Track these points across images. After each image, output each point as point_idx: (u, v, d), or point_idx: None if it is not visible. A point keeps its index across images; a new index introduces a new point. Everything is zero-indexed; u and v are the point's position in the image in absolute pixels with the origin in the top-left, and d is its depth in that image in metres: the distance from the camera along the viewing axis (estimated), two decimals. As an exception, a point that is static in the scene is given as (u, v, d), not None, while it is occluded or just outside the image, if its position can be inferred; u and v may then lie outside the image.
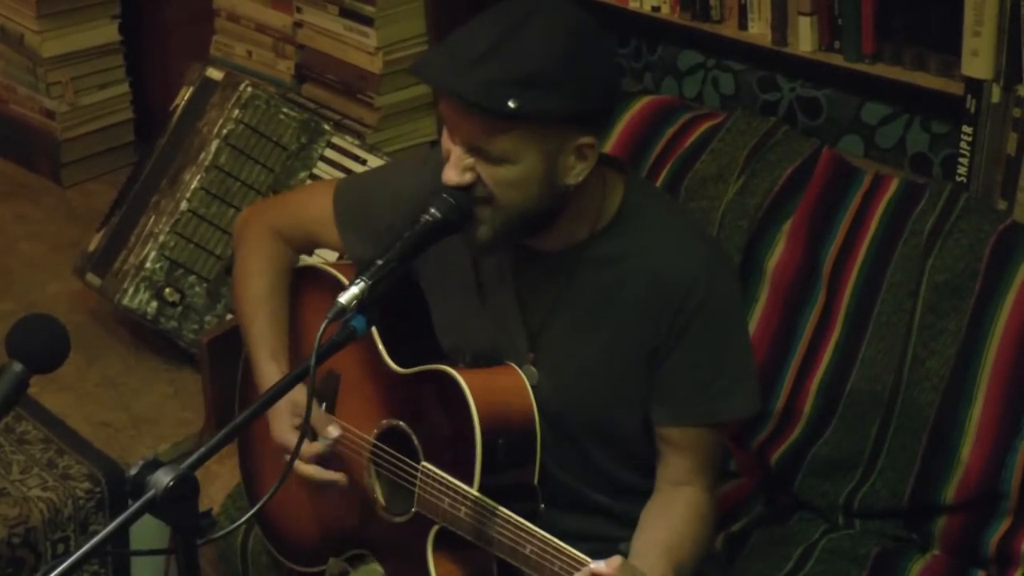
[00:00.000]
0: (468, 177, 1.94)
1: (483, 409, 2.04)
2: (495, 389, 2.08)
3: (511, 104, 1.85)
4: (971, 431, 2.41)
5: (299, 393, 2.09)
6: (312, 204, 2.32)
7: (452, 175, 1.95)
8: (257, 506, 1.86)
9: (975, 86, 2.57)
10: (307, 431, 1.91)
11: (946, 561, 2.44)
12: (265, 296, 2.31)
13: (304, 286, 2.34)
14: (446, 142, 1.97)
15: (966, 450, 2.41)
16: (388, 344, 2.21)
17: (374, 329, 2.20)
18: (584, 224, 2.06)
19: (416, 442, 2.13)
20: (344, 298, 1.85)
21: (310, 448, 2.18)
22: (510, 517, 1.98)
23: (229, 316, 3.09)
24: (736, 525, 2.52)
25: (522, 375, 2.11)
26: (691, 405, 2.08)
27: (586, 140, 1.95)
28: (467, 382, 2.06)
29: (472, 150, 1.93)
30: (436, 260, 2.17)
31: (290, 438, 2.17)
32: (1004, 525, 2.39)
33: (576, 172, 1.97)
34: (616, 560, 1.82)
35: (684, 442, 2.10)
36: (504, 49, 1.87)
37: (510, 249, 2.09)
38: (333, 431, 2.16)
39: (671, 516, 2.06)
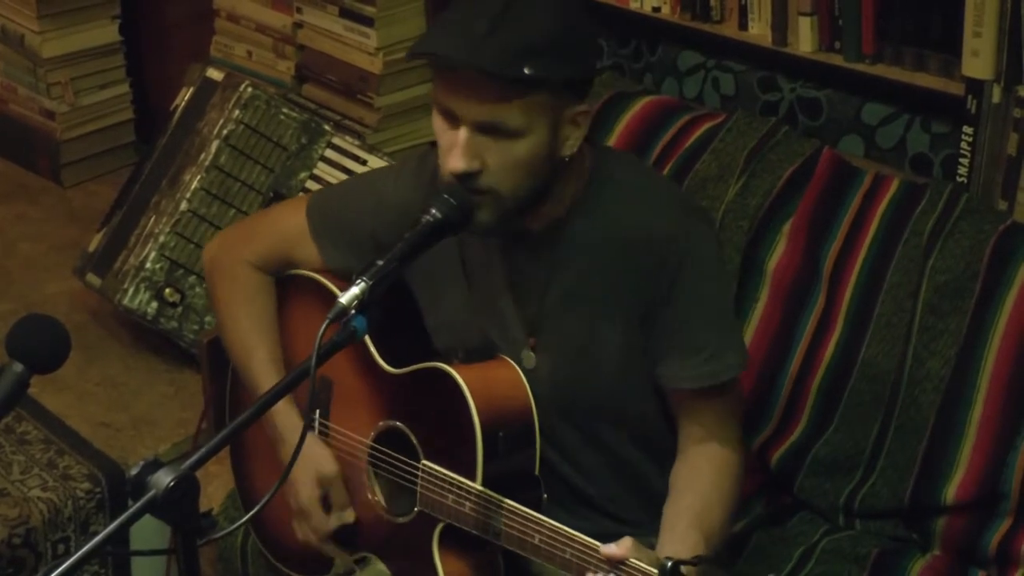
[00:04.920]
0: (476, 164, 1.95)
1: (481, 403, 2.04)
2: (491, 383, 2.09)
3: (527, 71, 1.89)
4: (972, 431, 2.41)
5: (325, 465, 2.22)
6: (284, 222, 2.32)
7: (459, 162, 1.95)
8: (251, 513, 1.86)
9: (975, 86, 2.57)
10: (309, 428, 1.91)
11: (946, 561, 2.44)
12: (254, 337, 2.30)
13: (290, 294, 2.34)
14: (446, 134, 1.98)
15: (967, 450, 2.41)
16: (379, 346, 2.21)
17: None
18: (565, 199, 2.08)
19: (415, 441, 2.13)
20: (345, 298, 1.85)
21: (324, 527, 2.23)
22: (516, 508, 1.99)
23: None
24: (737, 527, 2.52)
25: (516, 367, 2.12)
26: (690, 368, 2.09)
27: (581, 108, 2.00)
28: (463, 377, 2.06)
29: (484, 128, 1.94)
30: (423, 261, 2.18)
31: (313, 508, 2.22)
32: (1005, 525, 2.39)
33: (571, 142, 2.01)
34: (627, 540, 1.84)
35: (693, 404, 2.12)
36: (510, 20, 1.91)
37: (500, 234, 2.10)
38: (349, 517, 2.23)
39: (698, 480, 2.07)
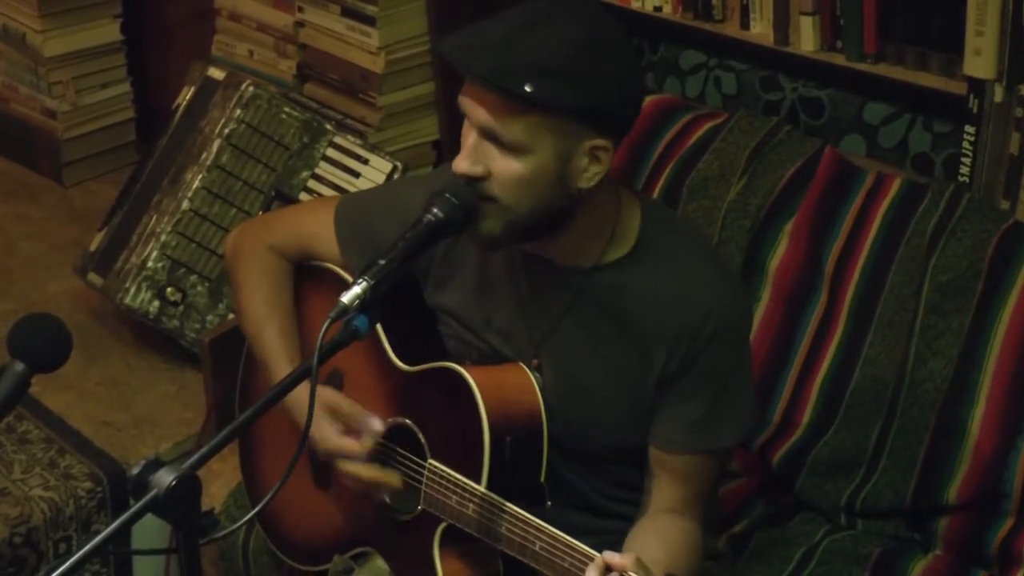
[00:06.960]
0: (479, 169, 1.94)
1: (491, 406, 2.03)
2: (503, 386, 2.08)
3: (527, 88, 1.86)
4: (974, 431, 2.41)
5: (326, 396, 2.16)
6: (310, 218, 2.32)
7: (463, 164, 1.94)
8: (259, 506, 1.86)
9: (977, 86, 2.57)
10: (308, 432, 1.90)
11: (948, 561, 2.44)
12: (267, 310, 2.30)
13: (311, 284, 2.34)
14: (464, 136, 1.97)
15: (968, 450, 2.41)
16: (393, 343, 2.21)
17: (379, 328, 2.20)
18: (597, 241, 2.05)
19: (423, 440, 2.13)
20: (346, 298, 1.85)
21: (361, 448, 2.15)
22: (518, 514, 1.98)
23: (231, 315, 3.09)
24: (738, 527, 2.52)
25: (529, 373, 2.11)
26: (690, 432, 2.07)
27: (600, 143, 1.94)
28: (475, 379, 2.05)
29: (487, 135, 1.92)
30: (441, 266, 2.17)
31: (339, 442, 2.16)
32: (1007, 525, 2.39)
33: (588, 176, 1.96)
34: (631, 555, 1.82)
35: (680, 469, 2.09)
36: (526, 36, 1.88)
37: (519, 255, 2.09)
38: (376, 425, 2.14)
39: (667, 540, 2.03)
